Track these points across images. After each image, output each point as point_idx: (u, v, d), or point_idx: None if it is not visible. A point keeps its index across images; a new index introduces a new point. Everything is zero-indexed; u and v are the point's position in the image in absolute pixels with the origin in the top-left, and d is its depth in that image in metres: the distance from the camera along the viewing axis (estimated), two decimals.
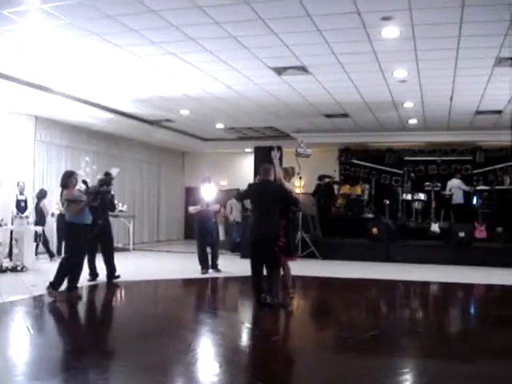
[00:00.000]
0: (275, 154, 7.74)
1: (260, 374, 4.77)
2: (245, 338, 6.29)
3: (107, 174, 9.24)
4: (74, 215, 7.94)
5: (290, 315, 7.58)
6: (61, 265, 8.01)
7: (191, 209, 10.95)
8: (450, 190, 15.49)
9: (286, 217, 7.61)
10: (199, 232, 10.91)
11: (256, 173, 12.43)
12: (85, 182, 8.53)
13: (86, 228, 8.07)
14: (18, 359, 5.11)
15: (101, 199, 8.48)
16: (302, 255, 13.54)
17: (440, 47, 8.39)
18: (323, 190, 15.77)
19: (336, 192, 16.55)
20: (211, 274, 10.83)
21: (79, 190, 8.33)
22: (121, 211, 14.78)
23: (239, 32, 7.94)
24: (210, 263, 10.95)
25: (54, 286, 7.84)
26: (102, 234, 9.41)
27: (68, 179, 8.13)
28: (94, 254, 9.69)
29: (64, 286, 7.96)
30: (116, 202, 12.22)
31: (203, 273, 10.73)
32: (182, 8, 7.07)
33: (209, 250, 11.02)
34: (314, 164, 15.91)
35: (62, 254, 12.84)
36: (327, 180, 16.11)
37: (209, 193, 10.87)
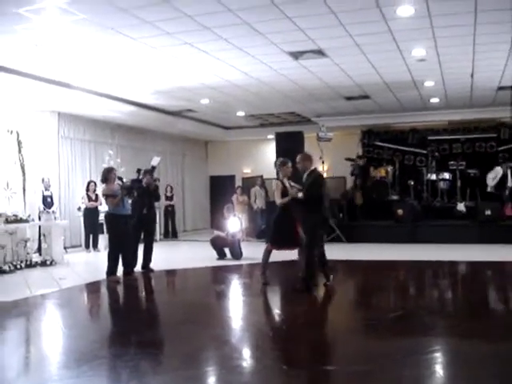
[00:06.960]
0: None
1: (286, 357, 4.83)
2: (271, 323, 6.34)
3: (139, 171, 9.65)
4: (113, 208, 8.82)
5: (316, 299, 7.60)
6: (108, 254, 8.91)
7: (216, 233, 11.73)
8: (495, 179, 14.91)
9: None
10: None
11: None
12: (120, 178, 9.30)
13: (125, 218, 8.92)
14: (49, 349, 5.28)
15: (136, 194, 9.24)
16: (328, 239, 13.57)
17: (457, 23, 8.25)
18: (360, 171, 15.65)
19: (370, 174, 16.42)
20: (235, 261, 11.12)
21: (118, 184, 9.10)
22: None
23: (253, 18, 7.91)
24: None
25: (108, 273, 8.78)
26: (146, 223, 9.75)
27: (108, 174, 8.96)
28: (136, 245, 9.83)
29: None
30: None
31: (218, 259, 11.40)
32: None
33: None
34: (337, 147, 15.91)
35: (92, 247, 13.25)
36: (361, 160, 16.01)
37: (234, 225, 11.68)
